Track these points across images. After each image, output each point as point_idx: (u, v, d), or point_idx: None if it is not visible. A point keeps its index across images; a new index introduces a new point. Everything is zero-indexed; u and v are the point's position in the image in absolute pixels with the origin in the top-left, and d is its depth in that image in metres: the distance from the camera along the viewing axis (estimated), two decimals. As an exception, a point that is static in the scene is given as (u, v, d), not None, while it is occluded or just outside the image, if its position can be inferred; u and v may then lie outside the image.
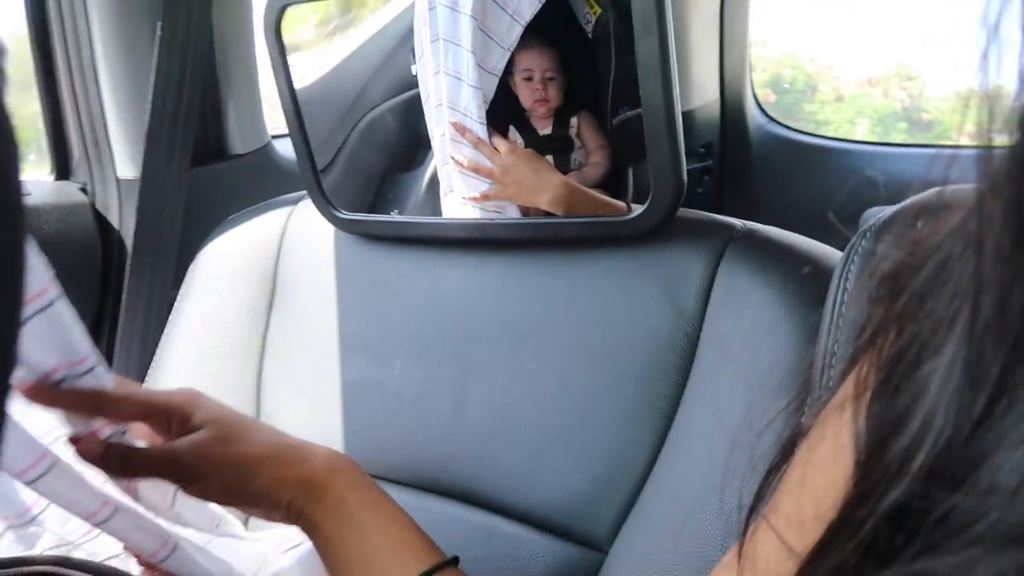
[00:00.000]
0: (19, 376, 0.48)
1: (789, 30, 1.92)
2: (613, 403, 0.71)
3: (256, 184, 1.10)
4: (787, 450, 0.38)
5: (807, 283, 0.64)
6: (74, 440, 0.51)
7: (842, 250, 0.54)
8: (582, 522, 0.71)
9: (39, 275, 0.43)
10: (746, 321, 0.66)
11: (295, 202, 0.95)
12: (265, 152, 1.16)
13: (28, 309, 0.44)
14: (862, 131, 1.95)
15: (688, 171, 0.68)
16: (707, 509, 0.63)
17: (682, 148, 0.68)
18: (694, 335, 0.69)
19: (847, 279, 0.53)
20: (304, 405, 0.87)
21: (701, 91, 1.64)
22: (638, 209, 0.70)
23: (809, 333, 0.61)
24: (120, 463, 0.51)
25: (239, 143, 1.12)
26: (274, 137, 1.22)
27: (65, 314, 0.46)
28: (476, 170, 0.78)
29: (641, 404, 0.70)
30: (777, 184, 1.72)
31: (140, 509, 0.55)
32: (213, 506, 0.59)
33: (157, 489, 0.56)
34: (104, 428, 0.52)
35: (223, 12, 1.04)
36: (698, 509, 0.64)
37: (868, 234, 0.53)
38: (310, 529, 0.53)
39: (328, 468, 0.54)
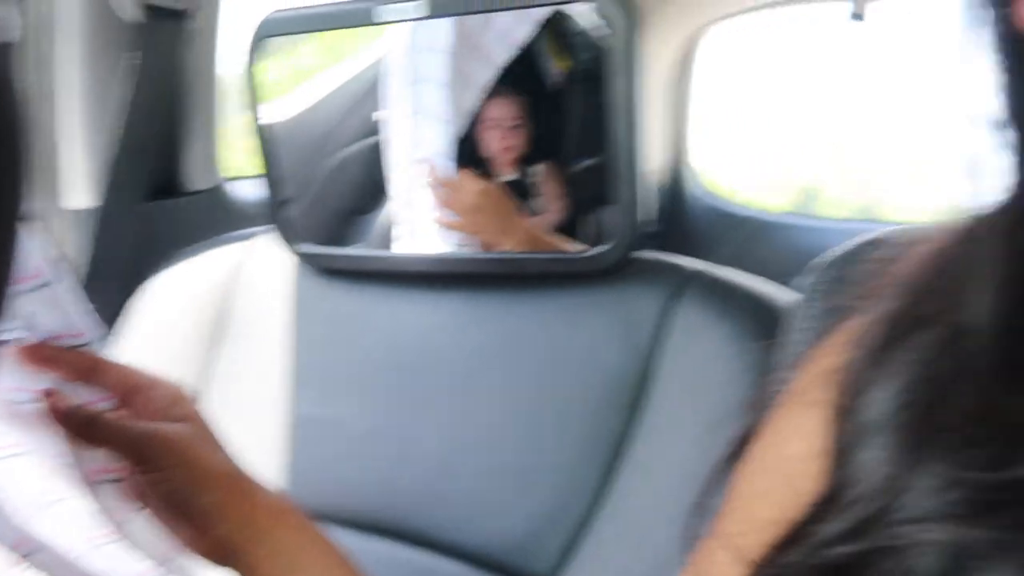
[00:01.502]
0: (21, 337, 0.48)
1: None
2: (559, 438, 0.72)
3: (208, 223, 1.09)
4: (738, 448, 0.40)
5: (761, 319, 0.67)
6: (47, 393, 0.49)
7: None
8: (526, 558, 0.71)
9: (35, 259, 0.45)
10: (701, 357, 0.68)
11: (248, 239, 0.95)
12: (218, 192, 1.15)
13: (26, 286, 0.45)
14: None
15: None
16: (660, 538, 0.64)
17: (642, 190, 0.71)
18: (647, 370, 0.70)
19: (813, 305, 0.55)
20: (249, 439, 0.85)
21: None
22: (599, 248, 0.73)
23: (764, 368, 0.64)
24: (85, 424, 0.49)
25: (194, 180, 1.11)
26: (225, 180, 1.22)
27: (66, 293, 0.48)
28: (444, 204, 0.80)
29: (587, 439, 0.71)
30: (710, 254, 1.78)
31: (63, 552, 0.52)
32: (170, 543, 0.56)
33: (118, 498, 0.53)
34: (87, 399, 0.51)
35: (188, 50, 1.05)
36: (651, 540, 0.65)
37: (832, 263, 0.56)
38: (246, 571, 0.50)
39: (275, 510, 0.52)
